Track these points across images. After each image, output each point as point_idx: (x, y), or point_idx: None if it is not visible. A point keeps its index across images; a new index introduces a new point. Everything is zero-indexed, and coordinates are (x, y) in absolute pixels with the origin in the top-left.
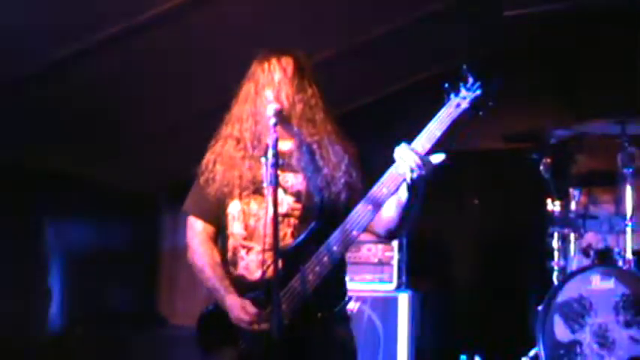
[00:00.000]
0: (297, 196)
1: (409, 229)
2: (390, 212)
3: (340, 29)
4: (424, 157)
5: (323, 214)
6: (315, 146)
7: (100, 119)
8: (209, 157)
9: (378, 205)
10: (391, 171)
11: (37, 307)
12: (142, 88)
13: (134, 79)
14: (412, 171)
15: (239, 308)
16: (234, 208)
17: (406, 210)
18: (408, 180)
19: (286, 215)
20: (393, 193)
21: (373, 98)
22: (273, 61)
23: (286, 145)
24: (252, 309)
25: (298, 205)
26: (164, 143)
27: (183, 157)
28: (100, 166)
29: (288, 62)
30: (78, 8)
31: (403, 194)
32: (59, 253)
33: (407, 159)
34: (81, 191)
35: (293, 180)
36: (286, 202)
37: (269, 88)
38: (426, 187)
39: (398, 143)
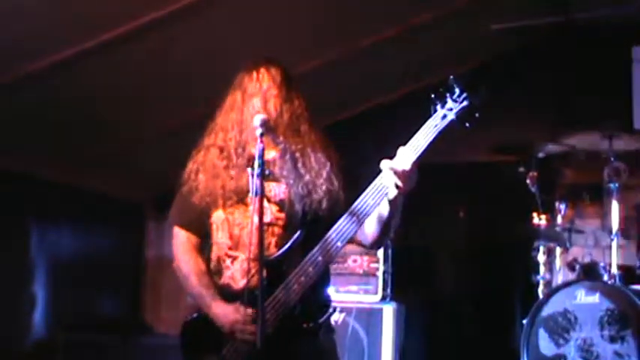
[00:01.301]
0: (280, 205)
1: (390, 238)
2: (371, 223)
3: (328, 40)
4: (406, 173)
5: (305, 222)
6: (297, 154)
7: (88, 127)
8: (192, 166)
9: (362, 217)
10: (375, 183)
11: (21, 313)
12: (130, 96)
13: (123, 88)
14: (396, 186)
15: (232, 311)
16: (217, 217)
17: (387, 222)
18: (390, 196)
19: (270, 224)
20: (377, 205)
21: (362, 109)
22: (262, 70)
23: (270, 154)
24: (245, 310)
25: (282, 215)
26: (151, 152)
27: (169, 166)
28: (86, 174)
29: (276, 72)
30: (57, 16)
31: (384, 208)
32: (44, 259)
33: (390, 176)
34: (67, 198)
35: (276, 189)
36: (270, 212)
37: (257, 97)
38: (406, 200)
39: (386, 153)
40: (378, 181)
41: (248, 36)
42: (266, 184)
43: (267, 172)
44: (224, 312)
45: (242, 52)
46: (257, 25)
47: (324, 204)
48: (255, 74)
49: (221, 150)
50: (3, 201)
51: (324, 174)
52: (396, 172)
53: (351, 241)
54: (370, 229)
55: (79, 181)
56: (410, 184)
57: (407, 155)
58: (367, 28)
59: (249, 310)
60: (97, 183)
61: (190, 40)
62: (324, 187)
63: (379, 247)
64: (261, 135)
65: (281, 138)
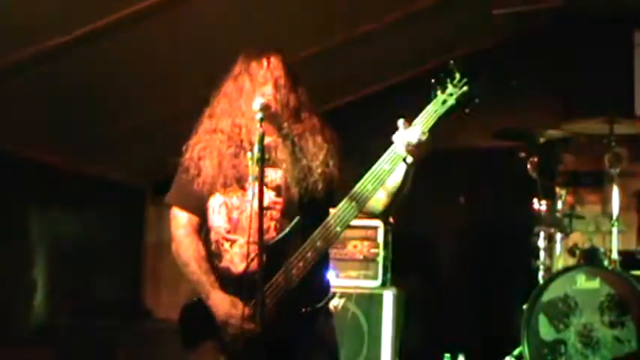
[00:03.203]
0: (278, 190)
1: (399, 206)
2: (382, 192)
3: (328, 25)
4: (422, 142)
5: (303, 206)
6: (296, 139)
7: (88, 111)
8: (192, 150)
9: (361, 202)
10: (375, 169)
11: (22, 298)
12: (129, 81)
13: (121, 73)
14: (408, 147)
15: (229, 303)
16: (215, 201)
17: (398, 191)
18: (408, 161)
19: (268, 209)
20: (376, 191)
21: (360, 95)
22: (273, 58)
23: (269, 138)
24: (242, 306)
25: (279, 199)
26: (150, 136)
27: (168, 151)
28: (87, 159)
29: (285, 59)
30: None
31: (397, 176)
32: (45, 244)
33: (406, 138)
34: (67, 183)
35: (273, 175)
36: (267, 196)
37: (268, 85)
38: (417, 169)
39: (385, 139)
40: (376, 167)
41: (248, 22)
42: (265, 169)
43: (267, 157)
44: (221, 303)
45: (242, 38)
46: (257, 11)
47: (320, 187)
48: (265, 62)
49: (222, 134)
50: (3, 185)
51: (321, 157)
52: (410, 144)
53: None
54: (381, 197)
55: (80, 166)
56: (426, 149)
57: (419, 128)
58: (367, 15)
59: (247, 308)
60: (97, 168)
61: (190, 26)
62: (319, 170)
63: (389, 216)
64: (261, 120)
65: (281, 123)
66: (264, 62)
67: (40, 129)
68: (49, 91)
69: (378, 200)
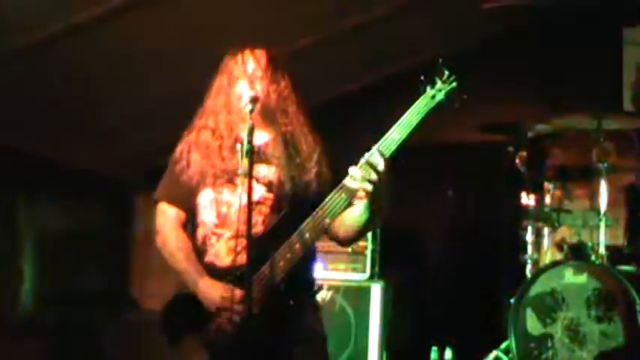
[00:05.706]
0: (269, 186)
1: (365, 235)
2: (348, 221)
3: (315, 19)
4: (374, 172)
5: (294, 204)
6: (288, 137)
7: (76, 102)
8: (183, 146)
9: (350, 194)
10: (363, 160)
11: (8, 288)
12: (117, 71)
13: (110, 63)
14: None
15: (220, 288)
16: (205, 196)
17: (363, 220)
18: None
19: (258, 203)
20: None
21: (347, 90)
22: (247, 52)
23: (261, 136)
24: (234, 290)
25: (270, 195)
26: (139, 128)
27: (157, 142)
28: (74, 149)
29: (261, 54)
30: None
31: (358, 206)
32: (32, 234)
33: (358, 179)
34: (55, 173)
35: (265, 171)
36: (258, 191)
37: (243, 79)
38: (379, 196)
39: (371, 134)
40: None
41: (243, 12)
42: (255, 165)
43: (256, 149)
44: (211, 288)
45: (238, 28)
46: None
47: (313, 187)
48: (239, 57)
49: (213, 131)
50: None
51: (315, 157)
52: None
53: (328, 234)
54: (346, 225)
55: (68, 157)
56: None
57: (397, 133)
58: (355, 7)
59: (238, 291)
60: (85, 158)
61: (183, 16)
62: (314, 171)
63: (353, 244)
64: (251, 112)
65: (270, 119)
66: (239, 58)
67: (27, 119)
68: (37, 81)
69: (345, 229)
